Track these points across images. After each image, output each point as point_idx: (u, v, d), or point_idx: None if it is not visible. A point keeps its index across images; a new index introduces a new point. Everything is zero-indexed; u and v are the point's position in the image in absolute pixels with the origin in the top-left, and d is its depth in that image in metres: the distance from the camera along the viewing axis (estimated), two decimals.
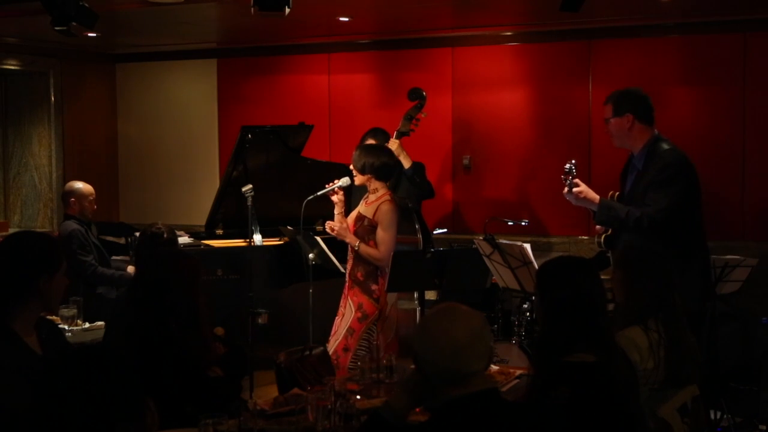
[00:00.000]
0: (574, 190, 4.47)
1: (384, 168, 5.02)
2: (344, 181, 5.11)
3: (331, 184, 5.12)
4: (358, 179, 5.05)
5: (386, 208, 4.95)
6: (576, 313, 2.85)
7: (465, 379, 2.39)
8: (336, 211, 5.11)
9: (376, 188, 5.03)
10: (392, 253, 4.87)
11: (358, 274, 5.00)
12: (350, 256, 5.07)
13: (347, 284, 5.07)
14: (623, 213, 4.36)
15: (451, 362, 2.38)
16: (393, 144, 6.04)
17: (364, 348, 4.89)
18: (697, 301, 4.35)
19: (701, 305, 4.47)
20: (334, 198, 5.09)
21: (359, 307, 4.96)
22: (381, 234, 4.93)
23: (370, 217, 4.97)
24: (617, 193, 4.66)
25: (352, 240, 4.99)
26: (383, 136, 6.12)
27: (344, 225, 5.04)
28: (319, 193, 5.17)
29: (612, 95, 4.63)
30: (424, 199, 6.34)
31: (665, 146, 4.49)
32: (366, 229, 4.97)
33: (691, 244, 4.42)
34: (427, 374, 2.45)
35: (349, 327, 4.95)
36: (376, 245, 4.95)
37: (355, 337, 4.92)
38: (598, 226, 4.67)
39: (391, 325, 5.22)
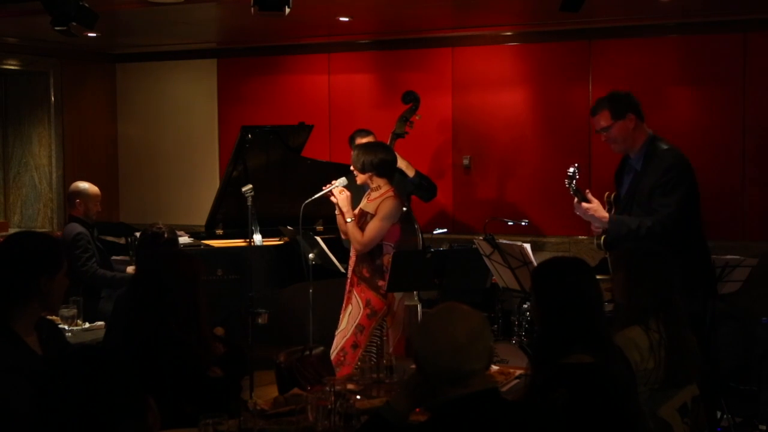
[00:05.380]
0: (584, 205, 4.39)
1: (383, 164, 5.02)
2: (341, 181, 5.13)
3: (328, 185, 5.13)
4: (360, 178, 5.06)
5: (389, 202, 4.96)
6: (572, 314, 2.84)
7: (465, 379, 2.39)
8: (336, 212, 5.12)
9: (379, 185, 5.04)
10: (375, 244, 4.93)
11: (364, 271, 5.01)
12: (353, 253, 5.09)
13: (352, 281, 5.07)
14: (635, 225, 4.29)
15: (451, 361, 2.38)
16: None
17: (374, 344, 4.92)
18: (700, 300, 4.35)
19: (704, 304, 4.46)
20: (333, 199, 5.09)
21: (367, 304, 4.97)
22: (373, 222, 4.94)
23: (372, 212, 4.98)
24: (614, 194, 4.60)
25: (348, 212, 5.00)
26: (367, 134, 6.13)
27: (347, 196, 5.04)
28: (317, 195, 5.17)
29: (602, 102, 4.52)
30: (432, 199, 6.35)
31: (664, 146, 4.44)
32: (368, 223, 4.98)
33: (693, 244, 4.41)
34: (427, 373, 2.45)
35: (359, 324, 4.96)
36: None
37: (366, 334, 4.94)
38: (596, 228, 4.62)
39: (400, 322, 5.22)
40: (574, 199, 4.45)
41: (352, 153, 5.11)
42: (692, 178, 4.42)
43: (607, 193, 4.61)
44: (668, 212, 4.28)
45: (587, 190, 4.44)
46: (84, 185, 5.99)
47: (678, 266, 4.07)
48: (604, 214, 4.40)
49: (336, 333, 5.08)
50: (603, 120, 4.51)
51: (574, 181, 4.42)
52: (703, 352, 3.86)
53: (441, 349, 2.39)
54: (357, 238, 4.96)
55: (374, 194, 5.05)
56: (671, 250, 4.13)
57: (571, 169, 4.40)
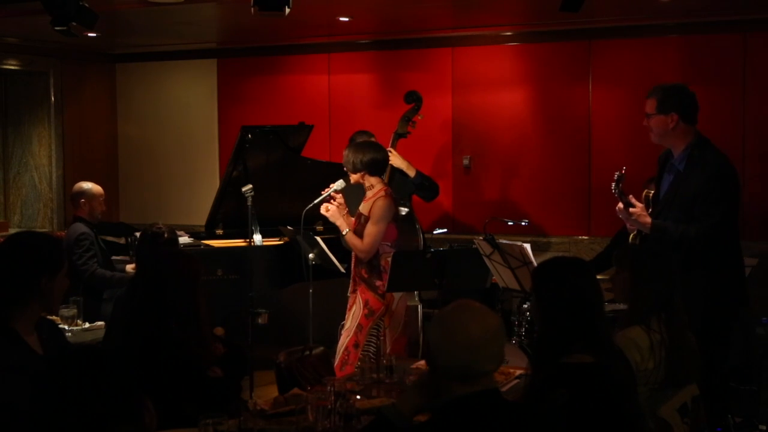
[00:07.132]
0: (631, 210, 4.31)
1: (373, 162, 5.03)
2: (339, 183, 5.17)
3: (327, 189, 5.16)
4: (353, 178, 5.09)
5: (381, 203, 4.98)
6: (572, 314, 2.84)
7: (475, 378, 2.39)
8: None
9: (372, 184, 5.06)
10: (377, 248, 4.95)
11: (362, 271, 5.05)
12: (354, 254, 5.12)
13: (355, 281, 5.11)
14: (677, 235, 4.22)
15: (466, 358, 2.38)
16: (392, 156, 6.03)
17: (372, 344, 4.96)
18: (737, 306, 4.36)
19: (739, 310, 4.45)
20: (324, 213, 5.13)
21: (366, 304, 5.01)
22: (369, 227, 4.96)
23: (366, 213, 5.00)
24: (653, 192, 4.51)
25: (342, 224, 5.05)
26: (368, 135, 6.13)
27: (339, 208, 5.09)
28: (317, 201, 5.19)
29: (657, 89, 4.44)
30: (434, 199, 6.35)
31: (710, 151, 4.37)
32: (364, 226, 5.00)
33: (733, 251, 4.37)
34: (438, 367, 2.44)
35: (358, 324, 5.01)
36: None
37: (364, 333, 4.99)
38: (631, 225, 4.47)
39: (399, 321, 5.24)
40: (618, 206, 4.38)
41: (343, 154, 5.11)
42: (736, 188, 4.36)
43: (645, 190, 4.54)
44: (712, 223, 4.21)
45: (630, 195, 4.38)
46: (88, 185, 5.99)
47: (716, 273, 4.10)
48: (648, 219, 4.31)
49: (341, 331, 5.14)
50: (648, 106, 4.43)
51: (621, 185, 4.33)
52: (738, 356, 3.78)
53: (457, 344, 2.39)
54: (357, 246, 5.00)
55: (369, 194, 5.08)
56: (710, 256, 4.13)
57: (617, 174, 4.31)
